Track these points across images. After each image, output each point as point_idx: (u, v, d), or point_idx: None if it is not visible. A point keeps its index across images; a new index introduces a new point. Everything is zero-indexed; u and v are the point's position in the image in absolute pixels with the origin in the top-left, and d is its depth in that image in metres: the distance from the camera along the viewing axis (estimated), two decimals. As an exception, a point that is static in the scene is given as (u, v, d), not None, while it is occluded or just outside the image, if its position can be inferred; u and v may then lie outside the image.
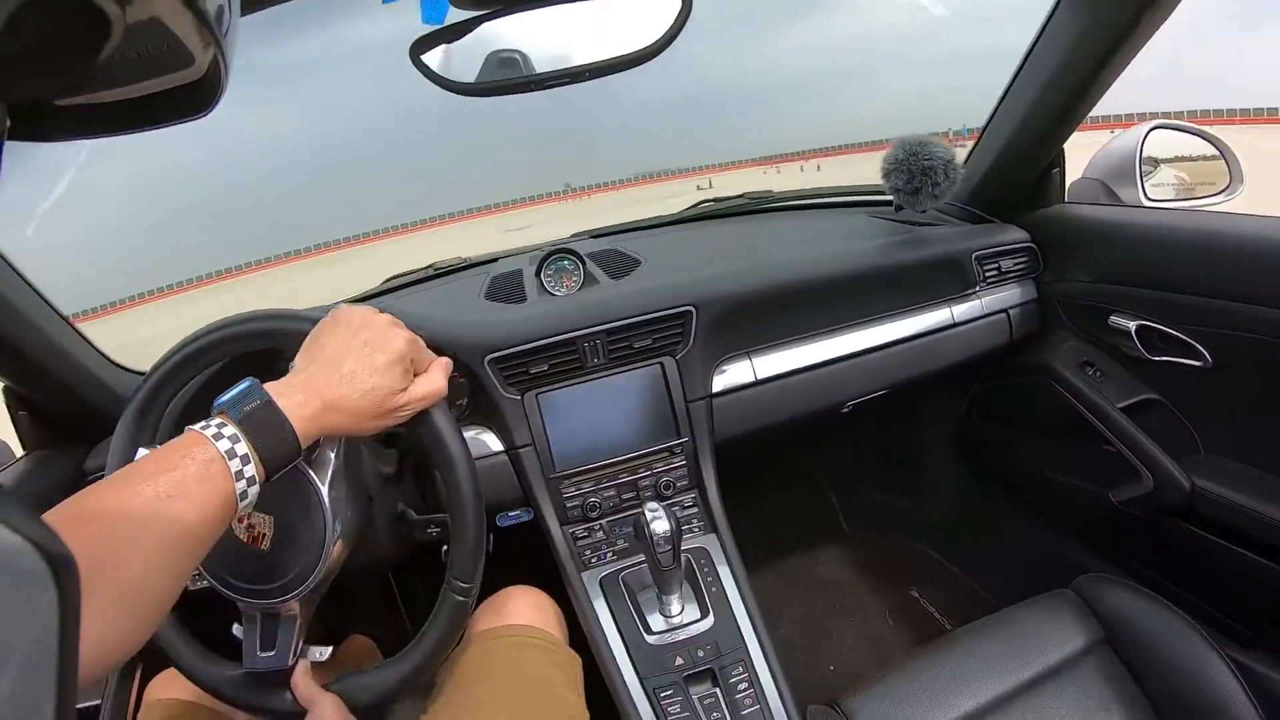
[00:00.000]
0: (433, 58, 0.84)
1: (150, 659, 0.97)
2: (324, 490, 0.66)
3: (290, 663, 0.70)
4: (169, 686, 0.84)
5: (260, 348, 0.72)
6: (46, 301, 0.93)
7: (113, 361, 1.02)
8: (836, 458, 1.40)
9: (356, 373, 0.60)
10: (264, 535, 0.68)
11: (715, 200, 1.35)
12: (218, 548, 0.67)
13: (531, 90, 0.87)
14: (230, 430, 0.52)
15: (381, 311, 0.66)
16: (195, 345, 0.73)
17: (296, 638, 0.71)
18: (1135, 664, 0.80)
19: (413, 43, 0.80)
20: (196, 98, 0.30)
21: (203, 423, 0.53)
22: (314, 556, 0.66)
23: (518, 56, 0.88)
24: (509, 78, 0.85)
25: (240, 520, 0.67)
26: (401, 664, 0.71)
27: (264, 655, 0.70)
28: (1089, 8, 0.92)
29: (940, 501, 1.32)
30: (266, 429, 0.54)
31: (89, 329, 1.00)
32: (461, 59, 0.86)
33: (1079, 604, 0.87)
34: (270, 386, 0.57)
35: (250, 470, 0.52)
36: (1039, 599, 0.89)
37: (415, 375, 0.66)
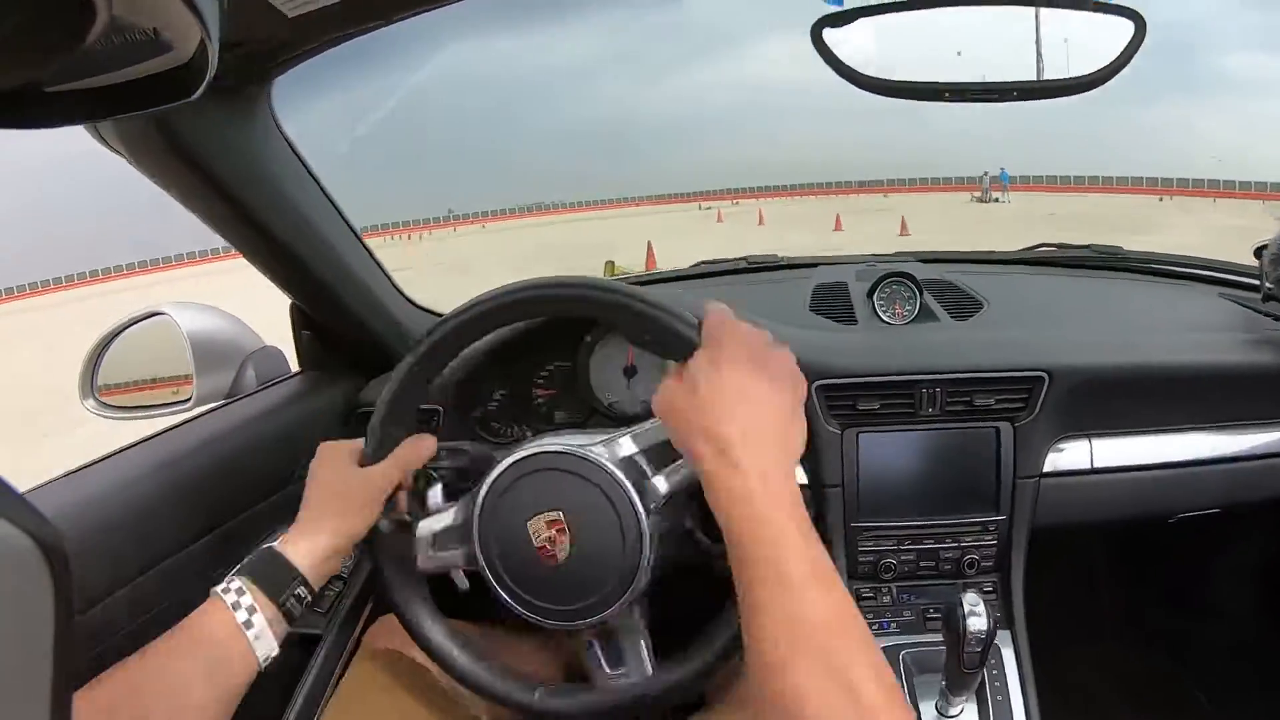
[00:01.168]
0: (835, 40, 0.74)
1: (377, 604, 0.93)
2: (646, 522, 0.61)
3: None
4: (390, 636, 0.81)
5: (633, 335, 0.65)
6: (347, 222, 0.88)
7: (406, 297, 0.97)
8: (1127, 555, 1.26)
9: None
10: (561, 550, 0.63)
11: (1057, 245, 1.22)
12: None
13: (945, 100, 0.77)
14: None
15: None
16: (499, 301, 0.64)
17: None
18: None
19: (817, 20, 0.71)
20: (184, 81, 0.30)
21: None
22: (621, 588, 0.62)
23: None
24: (923, 80, 0.75)
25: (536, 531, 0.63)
26: (610, 693, 0.66)
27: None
28: None
29: (1228, 638, 1.17)
30: None
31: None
32: (865, 47, 0.76)
33: None
34: None
35: None
36: None
37: None
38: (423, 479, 0.71)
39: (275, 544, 0.62)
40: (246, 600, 0.57)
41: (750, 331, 0.57)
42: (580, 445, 0.64)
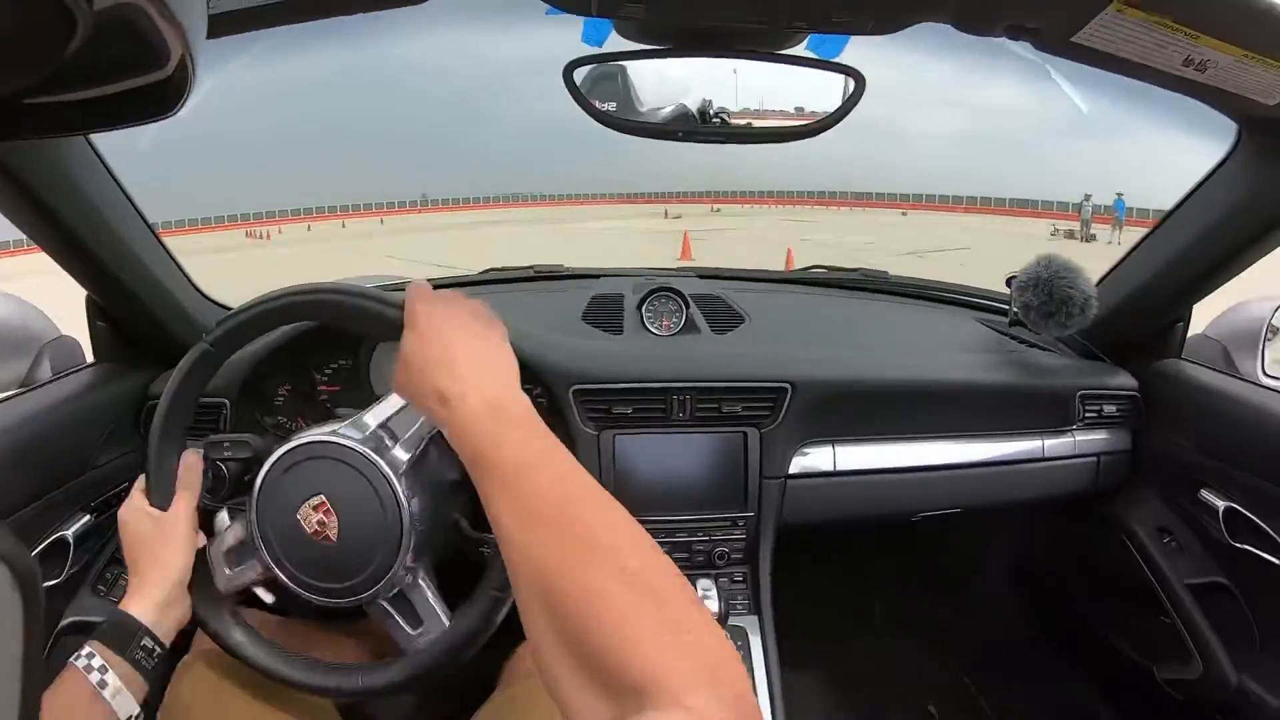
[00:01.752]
0: (584, 80, 0.80)
1: None
2: (399, 487, 0.65)
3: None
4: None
5: (345, 327, 0.69)
6: (141, 216, 0.91)
7: (198, 289, 1.00)
8: (887, 552, 1.36)
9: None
10: (331, 530, 0.66)
11: (828, 268, 1.32)
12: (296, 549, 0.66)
13: (678, 139, 0.84)
14: None
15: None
16: (280, 303, 0.68)
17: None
18: None
19: (570, 61, 0.77)
20: (164, 97, 0.29)
21: None
22: (391, 553, 0.65)
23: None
24: (656, 121, 0.82)
25: (305, 517, 0.66)
26: (421, 655, 0.68)
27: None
28: (1263, 172, 0.86)
29: (983, 626, 1.28)
30: None
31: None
32: (612, 88, 0.83)
33: None
34: None
35: None
36: None
37: None
38: (209, 474, 0.74)
39: (118, 603, 0.65)
40: (98, 661, 0.61)
41: (443, 296, 0.60)
42: (332, 431, 0.68)
